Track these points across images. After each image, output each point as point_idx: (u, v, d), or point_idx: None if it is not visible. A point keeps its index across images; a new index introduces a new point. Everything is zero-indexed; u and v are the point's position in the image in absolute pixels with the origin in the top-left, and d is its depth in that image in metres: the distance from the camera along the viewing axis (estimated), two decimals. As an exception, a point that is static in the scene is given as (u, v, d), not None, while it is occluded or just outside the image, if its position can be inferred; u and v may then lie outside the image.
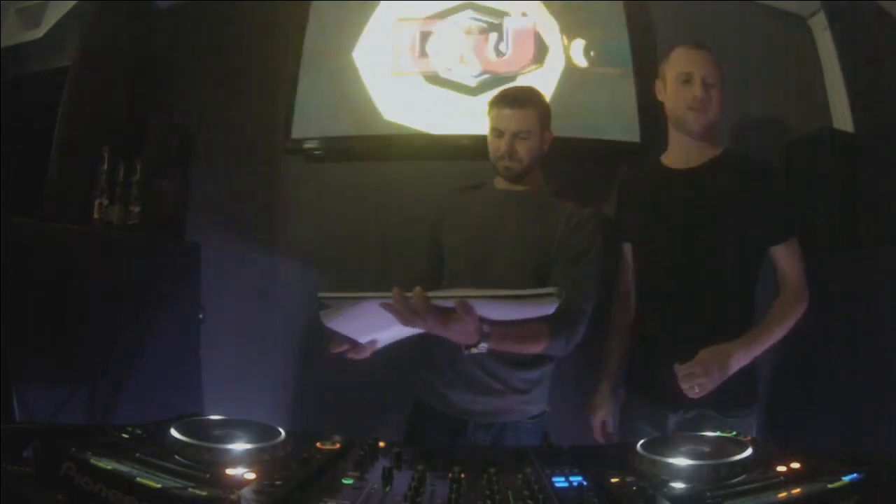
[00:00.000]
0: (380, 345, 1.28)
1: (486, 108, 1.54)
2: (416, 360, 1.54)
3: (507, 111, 1.47)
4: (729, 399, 1.40)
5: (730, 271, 1.49)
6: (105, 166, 1.88)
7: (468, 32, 2.18)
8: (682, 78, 1.52)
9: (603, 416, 1.61)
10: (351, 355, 1.25)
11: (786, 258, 1.48)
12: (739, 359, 1.36)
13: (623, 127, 2.08)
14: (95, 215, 1.86)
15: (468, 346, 1.12)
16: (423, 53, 2.18)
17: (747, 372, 1.42)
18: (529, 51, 2.14)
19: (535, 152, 1.50)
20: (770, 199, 1.48)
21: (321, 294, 1.07)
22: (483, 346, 1.12)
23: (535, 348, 1.30)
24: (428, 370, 1.50)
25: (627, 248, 1.66)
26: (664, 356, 1.42)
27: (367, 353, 1.27)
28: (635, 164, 1.78)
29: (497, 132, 1.48)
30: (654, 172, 1.62)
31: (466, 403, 1.44)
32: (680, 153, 1.58)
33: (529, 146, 1.48)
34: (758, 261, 1.50)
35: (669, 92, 1.56)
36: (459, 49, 2.16)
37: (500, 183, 1.56)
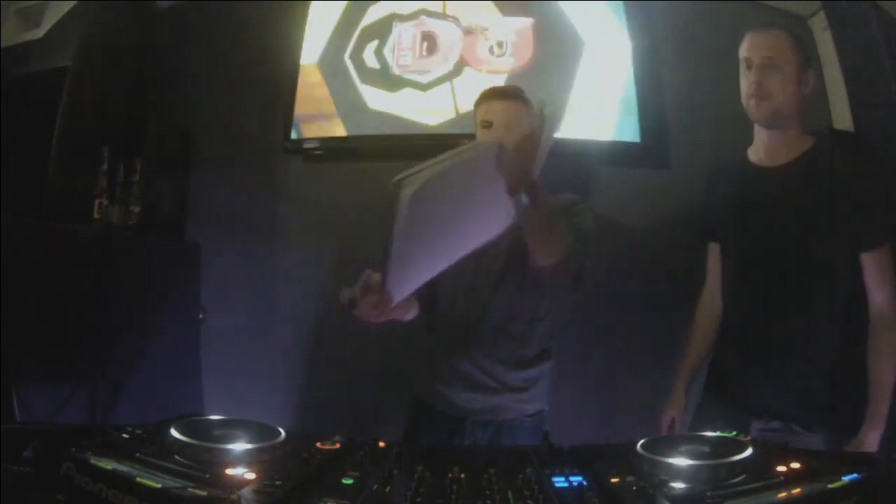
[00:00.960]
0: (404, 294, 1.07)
1: (475, 106, 1.52)
2: (414, 358, 1.54)
3: (498, 103, 1.45)
4: (817, 417, 1.33)
5: (819, 278, 1.36)
6: (105, 166, 1.88)
7: (468, 32, 2.18)
8: (744, 65, 1.41)
9: (673, 415, 1.56)
10: (368, 310, 1.03)
11: (874, 269, 1.33)
12: (876, 435, 1.28)
13: (623, 127, 2.08)
14: (95, 215, 1.86)
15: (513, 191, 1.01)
16: (422, 53, 2.19)
17: (834, 390, 1.35)
18: (528, 51, 2.14)
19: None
20: (861, 199, 1.33)
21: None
22: (524, 200, 1.03)
23: (553, 249, 1.21)
24: (426, 368, 1.51)
25: (714, 247, 1.58)
26: (750, 361, 1.37)
27: (383, 311, 1.04)
28: (724, 161, 1.65)
29: (486, 124, 1.45)
30: (739, 170, 1.49)
31: (463, 402, 1.44)
32: (763, 147, 1.44)
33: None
34: (852, 268, 1.35)
35: (741, 83, 1.44)
36: (458, 49, 2.17)
37: None
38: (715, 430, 1.40)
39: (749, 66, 1.38)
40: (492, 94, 1.49)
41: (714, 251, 1.59)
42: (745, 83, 1.39)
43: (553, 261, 1.22)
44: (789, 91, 1.36)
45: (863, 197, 1.34)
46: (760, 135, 1.44)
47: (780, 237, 1.39)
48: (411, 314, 1.38)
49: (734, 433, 0.86)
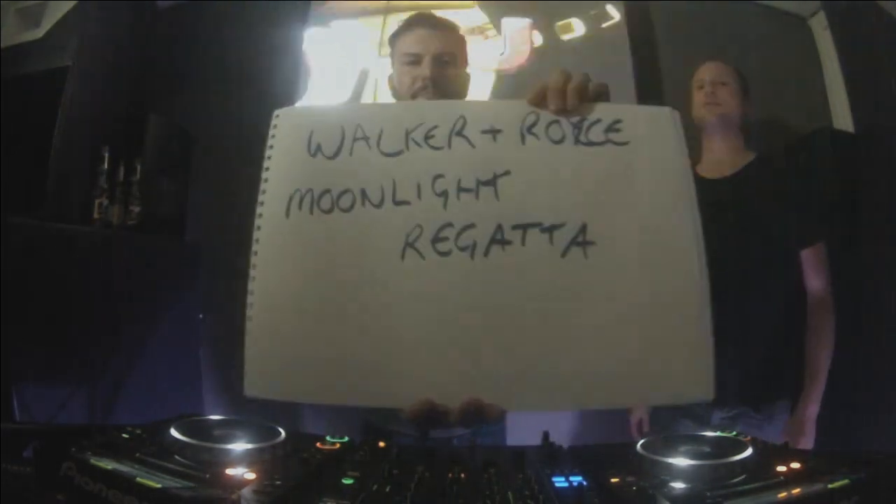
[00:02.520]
0: None
1: (391, 42, 1.25)
2: None
3: (424, 32, 1.17)
4: (763, 395, 1.47)
5: (760, 275, 1.52)
6: (105, 166, 1.88)
7: (468, 34, 2.18)
8: (696, 85, 1.64)
9: (640, 415, 1.64)
10: None
11: (812, 262, 1.52)
12: (812, 412, 1.46)
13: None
14: (95, 215, 1.86)
15: None
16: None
17: (776, 366, 1.50)
18: (526, 50, 2.15)
19: (459, 85, 1.20)
20: (797, 203, 1.53)
21: None
22: None
23: None
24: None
25: None
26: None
27: None
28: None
29: (411, 57, 1.16)
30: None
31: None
32: (708, 161, 1.63)
33: (456, 75, 1.18)
34: (791, 264, 1.54)
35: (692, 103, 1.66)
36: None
37: None
38: (676, 422, 1.47)
39: (701, 86, 1.63)
40: (419, 22, 1.20)
41: None
42: (697, 97, 1.64)
43: None
44: (735, 102, 1.61)
45: (799, 201, 1.54)
46: (708, 146, 1.65)
47: (726, 240, 1.51)
48: None
49: (734, 433, 0.86)
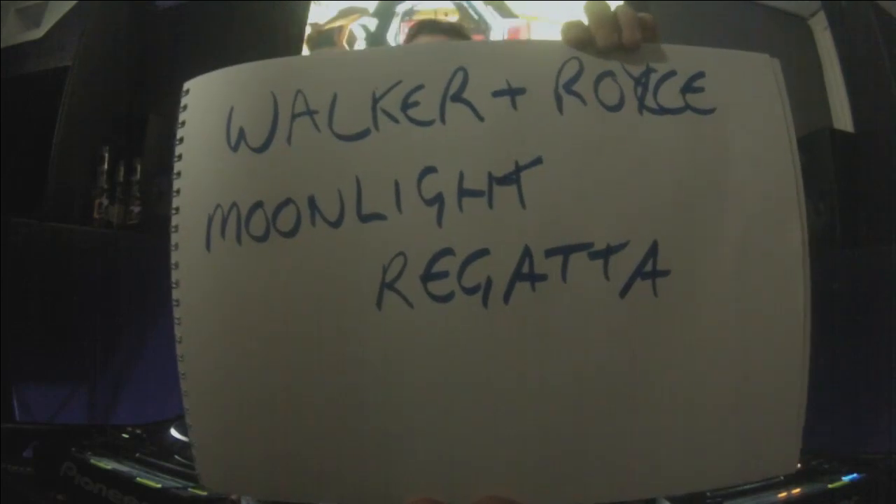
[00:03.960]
0: None
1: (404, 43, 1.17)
2: None
3: (431, 39, 1.06)
4: None
5: None
6: (105, 166, 1.88)
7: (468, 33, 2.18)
8: None
9: None
10: None
11: None
12: None
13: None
14: (95, 215, 1.86)
15: None
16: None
17: None
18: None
19: None
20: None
21: None
22: None
23: None
24: None
25: None
26: None
27: None
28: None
29: None
30: None
31: None
32: None
33: None
34: None
35: None
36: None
37: None
38: None
39: None
40: (425, 28, 1.11)
41: None
42: None
43: None
44: None
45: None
46: None
47: None
48: None
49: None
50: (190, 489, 0.60)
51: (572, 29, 0.49)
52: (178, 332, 0.49)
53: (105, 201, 1.88)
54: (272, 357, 0.48)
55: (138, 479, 0.60)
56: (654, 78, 0.48)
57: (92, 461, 0.62)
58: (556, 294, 0.46)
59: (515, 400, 0.46)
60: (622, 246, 0.46)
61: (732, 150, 0.48)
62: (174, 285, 0.51)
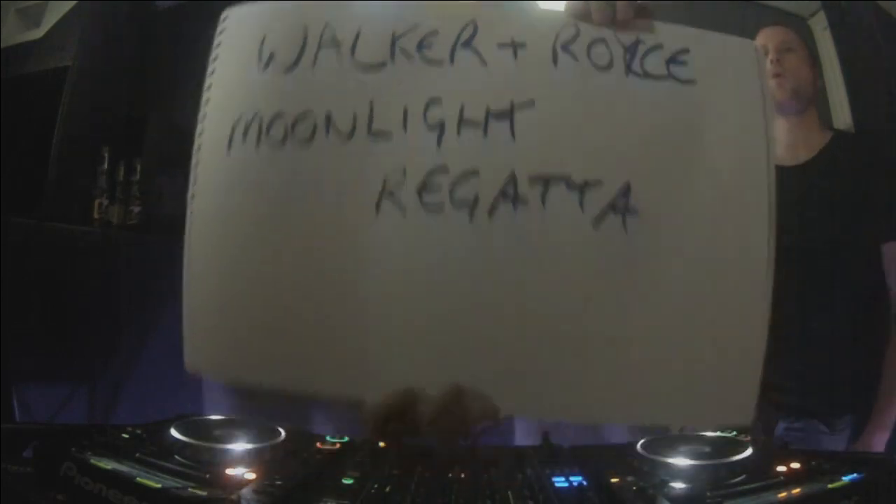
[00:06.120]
0: None
1: None
2: None
3: None
4: (838, 412, 1.32)
5: (845, 275, 1.33)
6: (105, 166, 1.88)
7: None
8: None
9: None
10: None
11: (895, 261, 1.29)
12: (879, 439, 1.26)
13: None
14: (95, 215, 1.86)
15: None
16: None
17: (853, 382, 1.33)
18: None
19: None
20: (881, 191, 1.30)
21: None
22: None
23: None
24: None
25: None
26: (778, 359, 1.37)
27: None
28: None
29: None
30: None
31: None
32: (782, 145, 1.39)
33: None
34: (877, 263, 1.33)
35: None
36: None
37: None
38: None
39: (765, 53, 1.36)
40: None
41: None
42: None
43: None
44: (807, 71, 1.36)
45: (884, 187, 1.30)
46: (782, 128, 1.39)
47: (805, 234, 1.34)
48: None
49: (734, 433, 0.86)
50: (190, 489, 0.60)
51: (573, 5, 0.56)
52: (188, 224, 0.56)
53: (105, 201, 1.88)
54: (274, 246, 0.55)
55: (138, 479, 0.60)
56: (642, 48, 0.55)
57: (92, 461, 0.62)
58: (535, 217, 0.52)
59: (491, 309, 0.51)
60: (598, 182, 0.52)
61: (708, 116, 0.54)
62: (192, 183, 0.58)
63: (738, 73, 0.57)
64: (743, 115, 0.55)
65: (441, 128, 0.53)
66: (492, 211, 0.51)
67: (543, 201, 0.52)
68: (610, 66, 0.54)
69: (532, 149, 0.53)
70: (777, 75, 1.34)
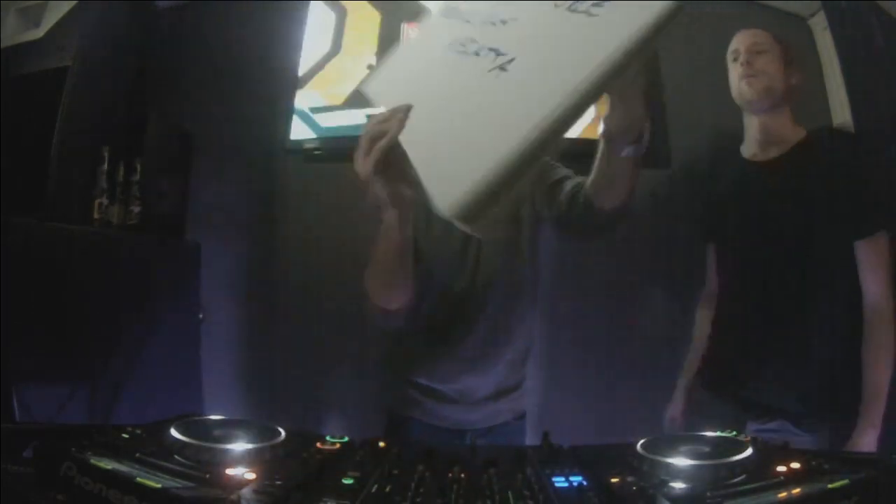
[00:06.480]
0: None
1: None
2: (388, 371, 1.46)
3: None
4: (816, 417, 1.33)
5: (817, 273, 1.34)
6: (105, 166, 1.88)
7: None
8: (731, 58, 1.47)
9: (674, 415, 1.57)
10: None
11: (869, 258, 1.30)
12: (870, 439, 1.26)
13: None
14: (95, 215, 1.86)
15: None
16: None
17: (833, 390, 1.34)
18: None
19: None
20: (854, 188, 1.31)
21: None
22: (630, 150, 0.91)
23: (620, 192, 1.06)
24: (417, 381, 1.38)
25: (712, 248, 1.59)
26: (750, 359, 1.38)
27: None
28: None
29: None
30: (734, 168, 1.51)
31: (461, 414, 1.37)
32: (755, 142, 1.46)
33: None
34: (849, 261, 1.34)
35: (730, 77, 1.48)
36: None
37: None
38: (714, 430, 1.37)
39: (736, 57, 1.44)
40: None
41: (711, 250, 1.59)
42: (735, 71, 1.44)
43: (618, 202, 1.07)
44: (778, 69, 1.40)
45: (859, 184, 1.32)
46: (752, 127, 1.46)
47: (778, 232, 1.37)
48: (398, 298, 1.14)
49: (734, 433, 0.86)
50: (190, 489, 0.60)
51: None
52: None
53: (105, 201, 1.88)
54: None
55: (138, 479, 0.60)
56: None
57: (92, 461, 0.62)
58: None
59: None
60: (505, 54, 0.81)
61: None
62: None
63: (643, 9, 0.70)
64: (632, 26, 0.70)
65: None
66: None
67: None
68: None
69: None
70: (747, 76, 1.41)
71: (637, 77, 0.83)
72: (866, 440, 1.26)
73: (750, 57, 1.42)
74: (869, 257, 1.31)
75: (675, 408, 1.59)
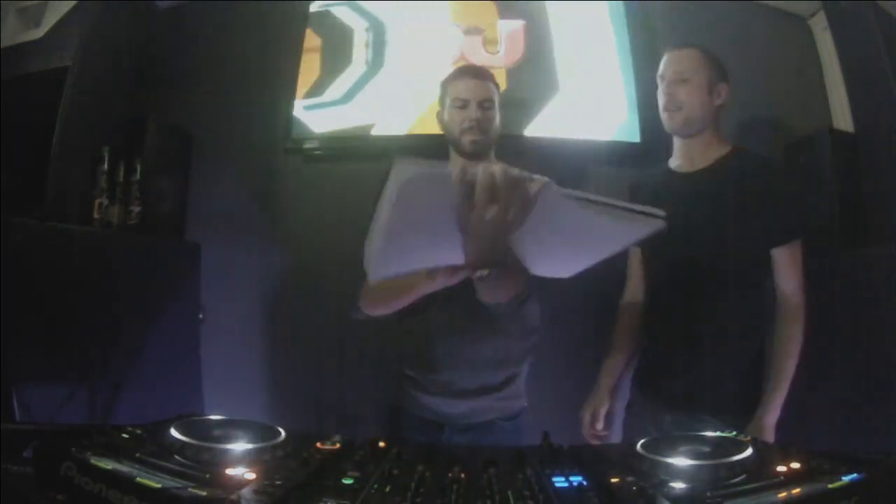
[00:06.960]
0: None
1: (442, 86, 1.47)
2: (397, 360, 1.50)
3: (471, 81, 1.42)
4: (727, 404, 1.40)
5: (733, 273, 1.44)
6: (105, 166, 1.88)
7: (467, 34, 2.19)
8: (659, 80, 1.52)
9: (591, 411, 1.56)
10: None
11: (785, 263, 1.43)
12: (772, 420, 1.36)
13: (623, 127, 2.08)
14: (95, 215, 1.86)
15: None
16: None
17: (748, 378, 1.43)
18: (519, 50, 2.15)
19: (496, 124, 1.43)
20: (772, 199, 1.42)
21: None
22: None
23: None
24: (407, 372, 1.44)
25: (635, 251, 1.64)
26: (666, 356, 1.46)
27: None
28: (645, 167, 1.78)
29: (460, 102, 1.40)
30: (658, 176, 1.60)
31: (441, 407, 1.38)
32: (680, 155, 1.55)
33: (494, 116, 1.42)
34: (764, 262, 1.45)
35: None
36: (453, 49, 2.19)
37: (456, 163, 1.41)
38: (641, 424, 1.40)
39: (662, 81, 1.50)
40: (466, 72, 1.45)
41: (635, 254, 1.65)
42: (660, 97, 1.51)
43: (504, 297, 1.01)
44: (698, 100, 1.46)
45: (775, 196, 1.43)
46: (676, 147, 1.55)
47: (697, 237, 1.45)
48: (390, 312, 1.24)
49: (734, 433, 0.86)
50: (190, 489, 0.60)
51: None
52: None
53: (105, 201, 1.88)
54: None
55: (138, 479, 0.59)
56: None
57: (92, 461, 0.62)
58: None
59: None
60: None
61: None
62: None
63: None
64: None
65: None
66: None
67: None
68: None
69: None
70: (668, 109, 1.48)
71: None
72: (767, 422, 1.35)
73: (671, 88, 1.48)
74: (785, 260, 1.43)
75: (590, 405, 1.58)
